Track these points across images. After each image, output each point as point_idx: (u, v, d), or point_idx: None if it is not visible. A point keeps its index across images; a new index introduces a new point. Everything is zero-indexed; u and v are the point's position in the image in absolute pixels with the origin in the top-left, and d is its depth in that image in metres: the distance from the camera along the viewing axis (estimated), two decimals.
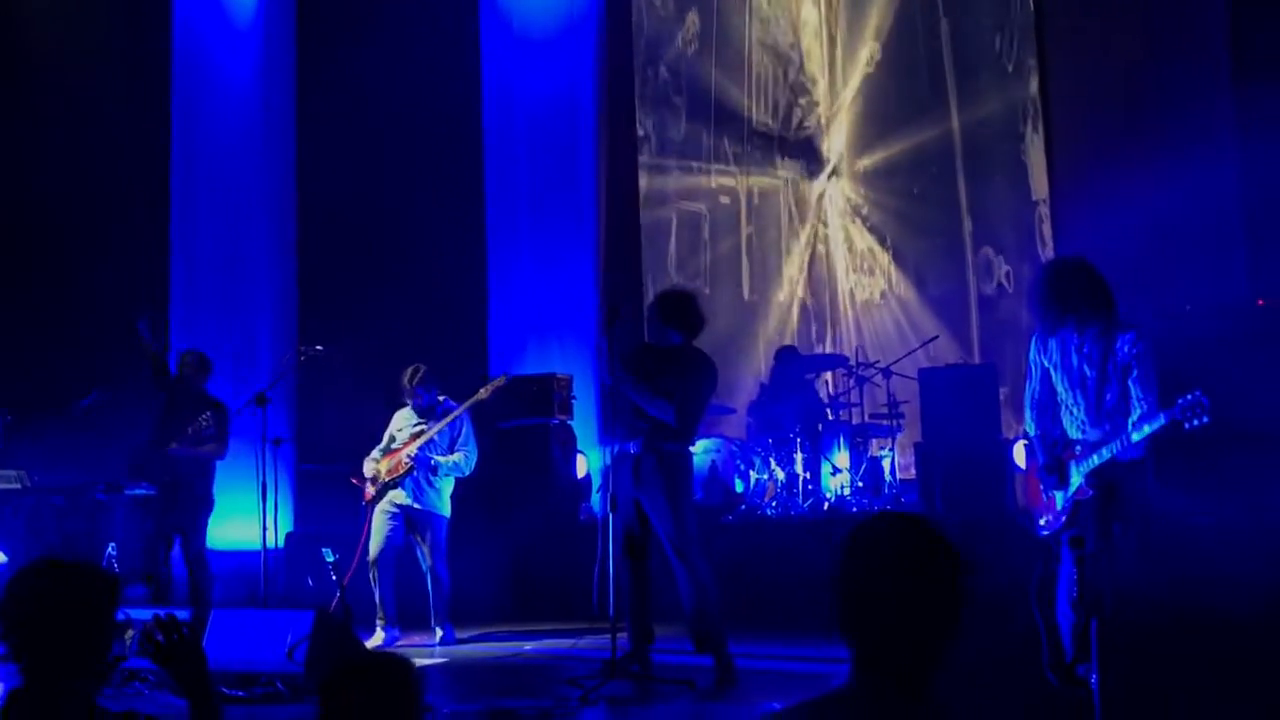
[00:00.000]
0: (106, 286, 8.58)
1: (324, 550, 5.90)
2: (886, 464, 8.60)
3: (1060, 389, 4.75)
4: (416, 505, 6.87)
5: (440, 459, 6.87)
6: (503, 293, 9.93)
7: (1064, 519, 4.72)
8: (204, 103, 9.59)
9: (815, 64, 11.09)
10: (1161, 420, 4.36)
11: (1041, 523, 4.85)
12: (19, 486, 7.08)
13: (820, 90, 11.07)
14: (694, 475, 5.97)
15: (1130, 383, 4.56)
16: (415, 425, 6.98)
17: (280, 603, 6.67)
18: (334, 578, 5.70)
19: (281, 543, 7.98)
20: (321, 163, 9.57)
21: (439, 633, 6.89)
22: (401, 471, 6.84)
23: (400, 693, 2.06)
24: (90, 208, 8.81)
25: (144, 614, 5.66)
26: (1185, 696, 3.91)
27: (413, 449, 6.83)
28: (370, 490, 6.95)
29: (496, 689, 5.38)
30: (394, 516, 6.87)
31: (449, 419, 6.87)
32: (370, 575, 6.84)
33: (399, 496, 6.88)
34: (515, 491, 8.38)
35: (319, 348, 7.11)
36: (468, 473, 7.00)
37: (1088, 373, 4.66)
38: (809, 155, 11.12)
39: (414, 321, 9.09)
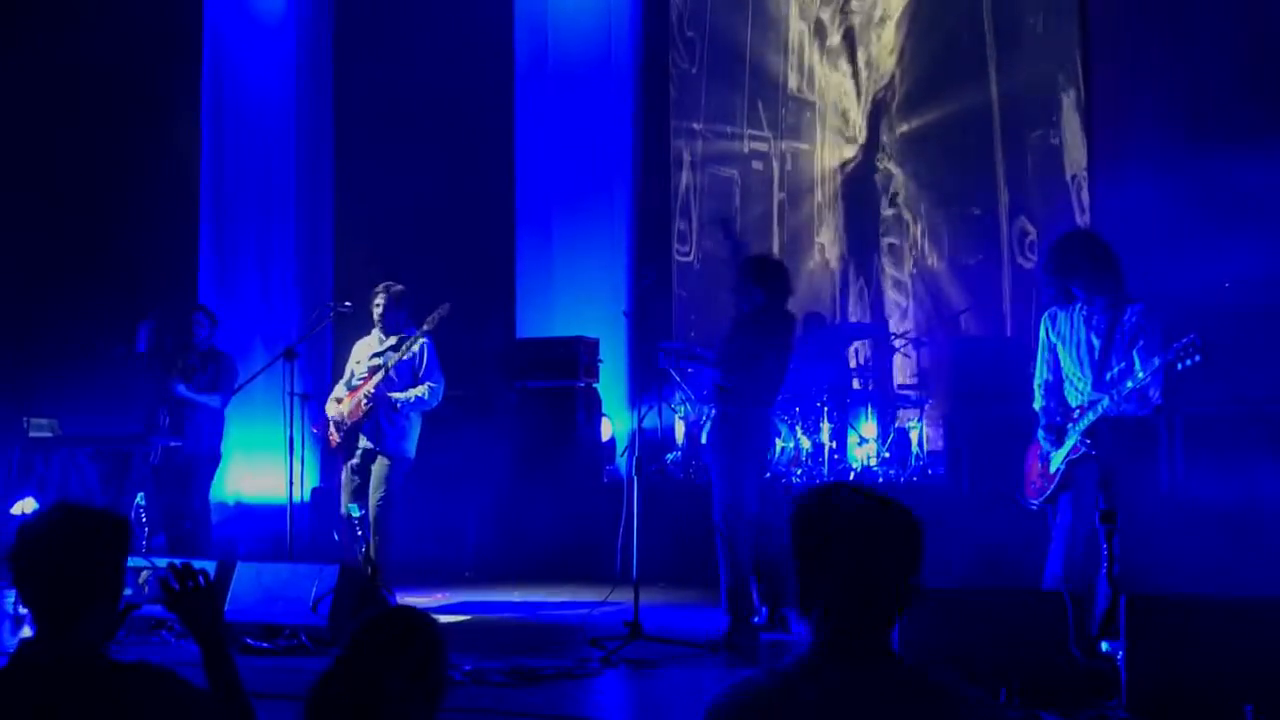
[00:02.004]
0: (137, 261, 8.67)
1: (350, 505, 5.92)
2: (914, 435, 8.55)
3: (1067, 362, 4.79)
4: (374, 446, 6.38)
5: (400, 395, 6.35)
6: (531, 254, 9.90)
7: (1057, 482, 4.72)
8: (237, 86, 9.55)
9: (852, 29, 10.94)
10: (1156, 362, 4.39)
11: (1035, 493, 4.87)
12: (51, 435, 7.15)
13: (858, 56, 10.93)
14: (761, 440, 5.87)
15: (1135, 352, 4.57)
16: (372, 357, 6.49)
17: (305, 557, 6.69)
18: (359, 533, 5.72)
19: (307, 497, 8.05)
20: (354, 136, 9.57)
21: None
22: (362, 413, 6.33)
23: (425, 646, 2.05)
24: (122, 194, 8.80)
25: (165, 562, 5.76)
26: (1211, 673, 3.88)
27: (369, 388, 6.32)
28: (335, 436, 6.48)
29: (518, 648, 5.41)
30: (356, 471, 6.41)
31: (398, 357, 6.32)
32: (342, 529, 6.40)
33: (362, 442, 6.40)
34: (539, 454, 8.40)
35: (348, 304, 7.09)
36: (434, 405, 6.48)
37: (1095, 342, 4.70)
38: (843, 121, 10.99)
39: (443, 284, 9.07)
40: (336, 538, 6.80)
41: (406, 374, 6.39)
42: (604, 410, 8.95)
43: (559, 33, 10.21)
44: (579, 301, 9.58)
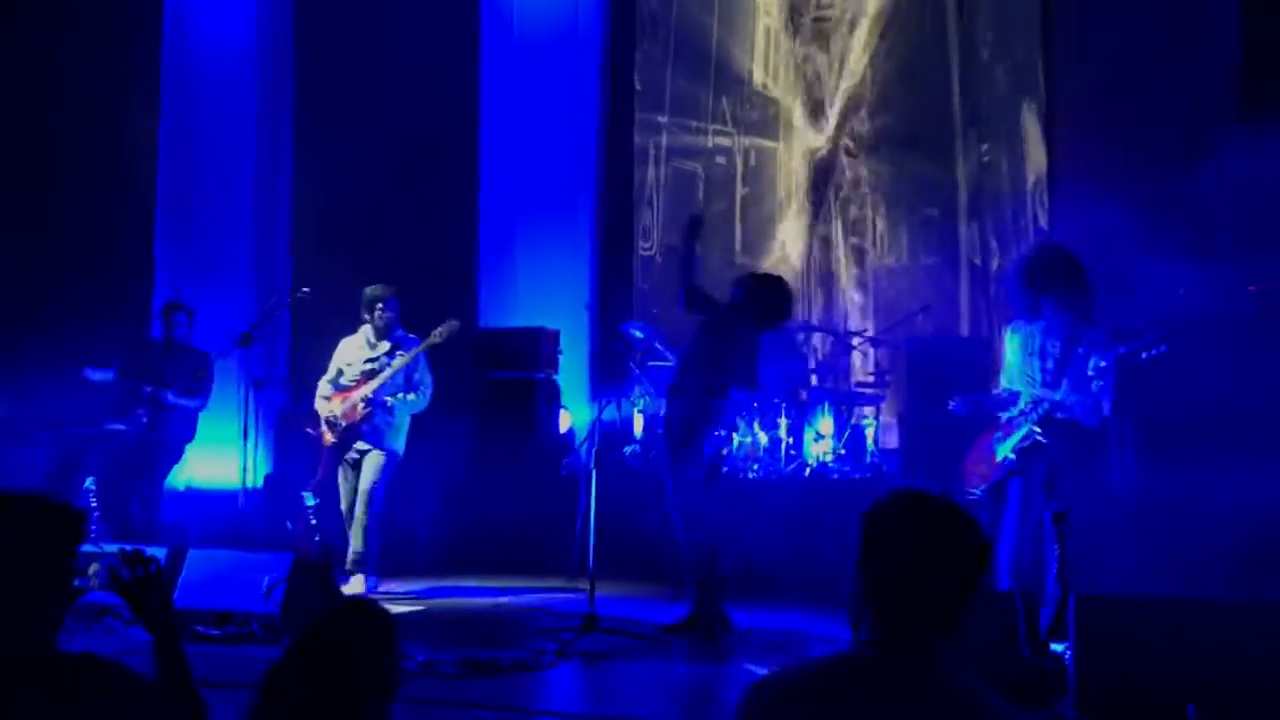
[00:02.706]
0: (93, 238, 8.52)
1: (304, 494, 5.88)
2: (870, 432, 8.61)
3: (1023, 372, 4.81)
4: (370, 447, 6.60)
5: (394, 399, 6.58)
6: (493, 244, 9.85)
7: (1004, 470, 4.77)
8: (196, 63, 9.39)
9: (821, 28, 10.98)
10: (1118, 351, 4.44)
11: (979, 480, 4.91)
12: None
13: (825, 55, 10.97)
14: (709, 432, 5.87)
15: (1092, 363, 4.63)
16: (367, 362, 6.65)
17: (258, 544, 6.63)
18: (313, 521, 5.68)
19: (260, 483, 7.97)
20: (316, 119, 9.44)
21: (359, 581, 6.48)
22: (357, 417, 6.54)
23: (380, 639, 2.03)
24: (79, 164, 8.64)
25: (114, 549, 5.68)
26: (1157, 673, 3.95)
27: (367, 392, 6.53)
28: (329, 436, 6.64)
29: (472, 639, 5.39)
30: (354, 465, 6.61)
31: (400, 363, 6.55)
32: (345, 526, 6.61)
33: (359, 445, 6.62)
34: (498, 444, 8.37)
35: (306, 290, 7.03)
36: (424, 408, 6.75)
37: (1053, 350, 4.73)
38: (808, 119, 11.03)
39: (404, 274, 9.01)
40: (290, 526, 6.74)
41: (400, 379, 6.59)
42: (564, 402, 8.94)
43: (525, 22, 10.16)
44: (541, 293, 9.56)
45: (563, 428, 8.95)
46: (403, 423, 6.66)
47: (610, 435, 8.40)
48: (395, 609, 6.14)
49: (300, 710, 1.99)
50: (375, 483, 6.52)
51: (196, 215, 9.15)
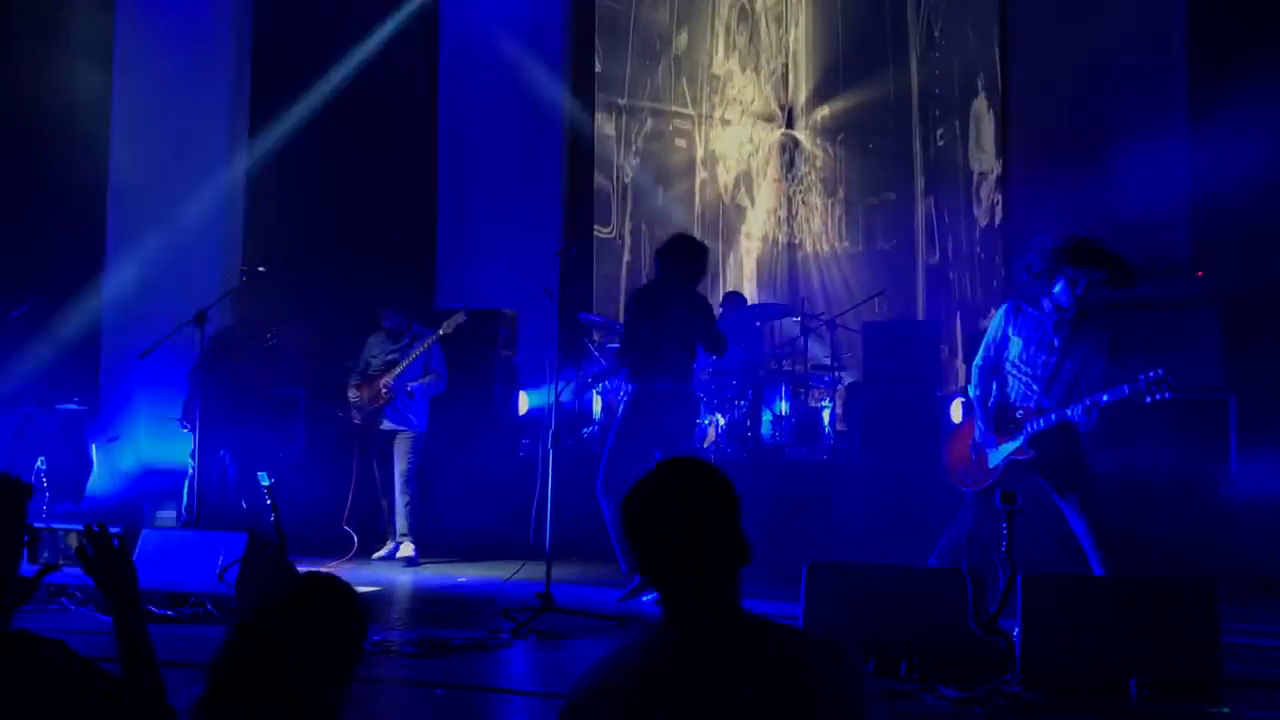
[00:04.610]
0: (42, 212, 8.39)
1: (260, 474, 5.84)
2: (826, 415, 8.69)
3: (1016, 356, 4.87)
4: (397, 426, 7.39)
5: (414, 383, 7.39)
6: (452, 225, 9.81)
7: (995, 478, 4.85)
8: (149, 36, 9.22)
9: (781, 11, 11.01)
10: (1124, 392, 4.53)
11: (970, 482, 4.99)
12: None
13: (782, 37, 11.00)
14: (634, 414, 6.02)
15: (1091, 360, 4.71)
16: (389, 353, 7.44)
17: (213, 524, 6.59)
18: (269, 501, 5.65)
19: (216, 463, 7.92)
20: (272, 100, 9.32)
21: (409, 547, 7.26)
22: (381, 401, 7.35)
23: (339, 615, 1.98)
24: (29, 138, 8.49)
25: (69, 528, 5.64)
26: (1100, 649, 4.05)
27: (389, 379, 7.34)
28: (357, 417, 7.43)
29: (429, 618, 5.40)
30: (388, 442, 7.39)
31: (415, 355, 7.36)
32: (398, 499, 7.30)
33: (384, 424, 7.40)
34: (455, 425, 8.35)
35: (260, 269, 7.01)
36: (442, 389, 7.53)
37: (1054, 342, 4.78)
38: (767, 103, 11.07)
39: (361, 249, 8.99)
40: (245, 505, 6.71)
41: (418, 367, 7.42)
42: (521, 384, 8.94)
43: (485, 3, 10.10)
44: (500, 274, 9.53)
45: (521, 410, 8.96)
46: (423, 405, 7.46)
47: (568, 417, 8.44)
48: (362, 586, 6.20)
49: (254, 693, 1.90)
50: (409, 465, 7.34)
51: (149, 194, 9.01)
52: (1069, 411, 4.69)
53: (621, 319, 6.21)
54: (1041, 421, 4.77)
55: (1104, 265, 4.75)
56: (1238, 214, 7.33)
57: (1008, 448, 4.87)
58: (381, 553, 7.34)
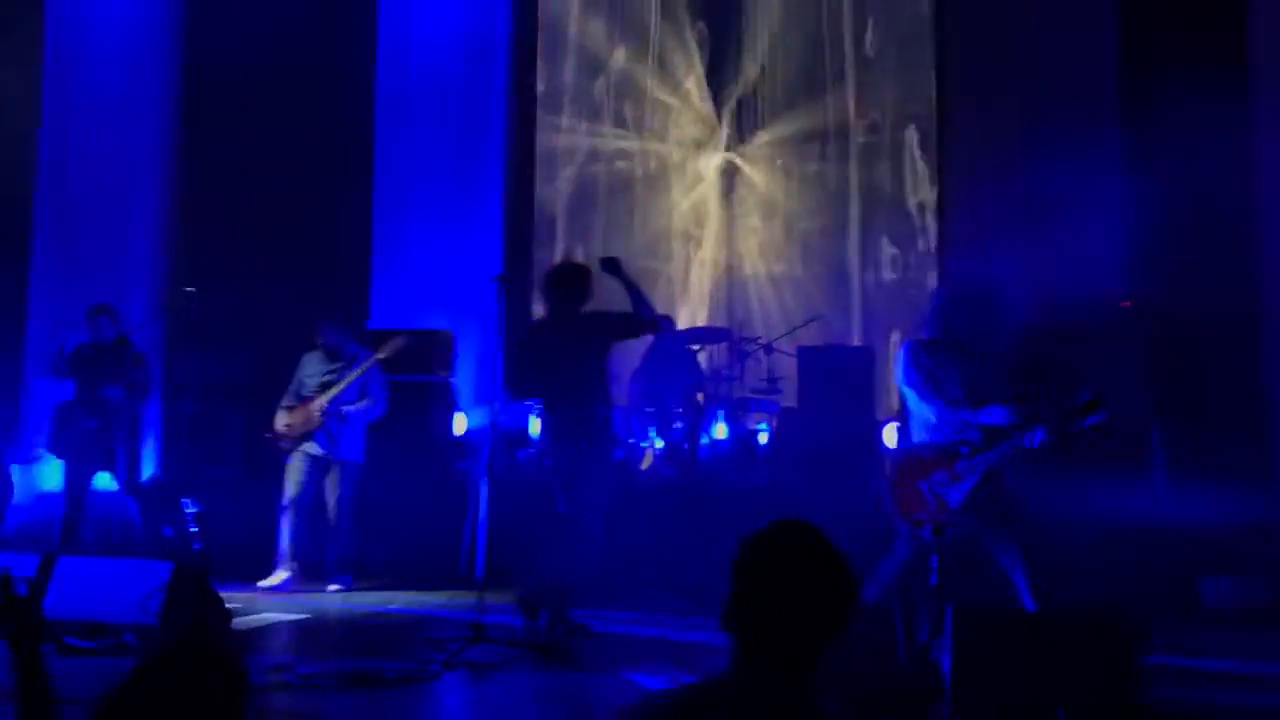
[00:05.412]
0: None
1: (184, 501, 5.72)
2: (763, 438, 8.72)
3: (943, 393, 4.83)
4: (329, 455, 7.05)
5: (350, 408, 7.07)
6: (389, 245, 9.69)
7: (954, 518, 4.76)
8: (76, 41, 9.03)
9: (720, 36, 11.07)
10: (1069, 428, 4.55)
11: (927, 524, 4.83)
12: None
13: (722, 60, 11.06)
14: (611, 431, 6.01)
15: (1019, 390, 4.73)
16: (325, 374, 7.12)
17: (138, 551, 6.43)
18: (194, 529, 5.53)
19: (143, 488, 7.74)
20: (202, 97, 9.14)
21: (336, 585, 6.94)
22: (314, 425, 7.03)
23: (223, 684, 1.90)
24: None
25: None
26: (1030, 680, 4.09)
27: (323, 402, 7.03)
28: (285, 443, 7.11)
29: (357, 649, 5.31)
30: (308, 463, 7.04)
31: (353, 376, 7.04)
32: (282, 519, 6.95)
33: (311, 448, 7.05)
34: (391, 447, 8.23)
35: (190, 290, 6.88)
36: (380, 415, 7.21)
37: (979, 376, 4.79)
38: (706, 125, 11.12)
39: (293, 269, 8.82)
40: (169, 533, 6.56)
41: (354, 390, 7.09)
42: (459, 406, 8.85)
43: (425, 17, 10.01)
44: (437, 294, 9.44)
45: (458, 431, 8.86)
46: (359, 433, 7.14)
47: (506, 439, 8.36)
48: (282, 616, 6.09)
49: None
50: (343, 496, 7.04)
51: (78, 212, 8.80)
52: (1011, 446, 4.67)
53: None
54: (994, 457, 4.74)
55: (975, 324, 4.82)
56: (1169, 239, 7.46)
57: (966, 485, 4.79)
58: (271, 581, 6.83)
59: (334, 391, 7.03)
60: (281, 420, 7.12)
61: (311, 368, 7.22)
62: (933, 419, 4.86)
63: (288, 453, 7.08)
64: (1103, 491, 6.45)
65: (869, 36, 10.26)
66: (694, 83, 11.11)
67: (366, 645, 5.44)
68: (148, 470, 7.91)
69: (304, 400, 7.12)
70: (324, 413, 7.01)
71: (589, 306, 5.91)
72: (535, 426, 8.74)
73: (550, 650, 5.32)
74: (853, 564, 1.99)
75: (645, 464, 8.55)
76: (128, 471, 7.11)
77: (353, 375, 7.05)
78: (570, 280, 5.98)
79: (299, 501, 6.98)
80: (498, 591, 5.74)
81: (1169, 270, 7.51)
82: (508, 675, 4.91)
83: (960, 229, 8.77)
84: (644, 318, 5.89)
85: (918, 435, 4.97)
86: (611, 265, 5.96)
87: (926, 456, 4.84)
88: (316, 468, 7.06)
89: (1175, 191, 7.26)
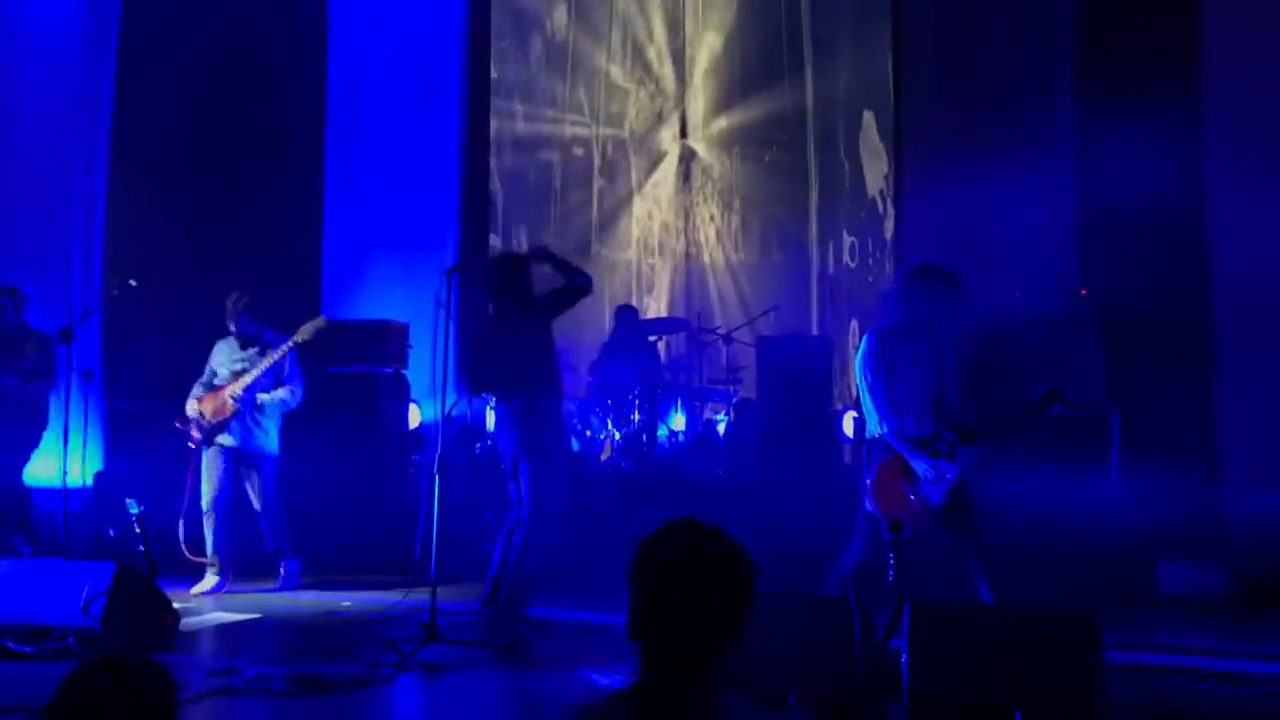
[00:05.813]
0: None
1: (128, 501, 5.56)
2: (721, 428, 8.68)
3: (908, 385, 4.76)
4: (243, 447, 6.73)
5: (265, 396, 6.73)
6: (339, 234, 9.52)
7: (940, 514, 4.69)
8: (13, 32, 8.75)
9: (678, 22, 10.97)
10: (1021, 413, 4.51)
11: (908, 526, 4.73)
12: None
13: (680, 46, 10.97)
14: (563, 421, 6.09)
15: (975, 381, 4.70)
16: (237, 361, 6.79)
17: (81, 552, 6.28)
18: (138, 530, 5.38)
19: (90, 482, 7.57)
20: (141, 82, 8.89)
21: (280, 573, 6.80)
22: (227, 414, 6.68)
23: (149, 707, 1.84)
24: None
25: None
26: (987, 678, 4.05)
27: (236, 390, 6.67)
28: (196, 434, 6.76)
29: (307, 650, 5.20)
30: (224, 459, 6.72)
31: (268, 362, 6.68)
32: (204, 521, 6.67)
33: (225, 440, 6.72)
34: (343, 439, 8.09)
35: (132, 282, 6.68)
36: (295, 406, 6.86)
37: (941, 367, 4.75)
38: (664, 112, 11.02)
39: (238, 255, 8.61)
40: (113, 533, 6.40)
41: (270, 378, 6.71)
42: (413, 397, 8.71)
43: (377, 5, 9.83)
44: (390, 284, 9.29)
45: (412, 423, 8.73)
46: (272, 423, 6.81)
47: (461, 432, 8.25)
48: (231, 616, 5.96)
49: None
50: (265, 493, 6.77)
51: (15, 204, 8.54)
52: (980, 445, 4.62)
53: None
54: (970, 451, 4.66)
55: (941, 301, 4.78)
56: (1121, 232, 7.48)
57: (944, 482, 4.71)
58: (202, 586, 6.58)
59: (248, 379, 6.67)
60: (192, 408, 6.74)
61: (223, 355, 6.86)
62: (874, 414, 4.81)
63: (198, 443, 6.73)
64: (1060, 478, 6.46)
65: (826, 24, 10.20)
66: (652, 69, 11.01)
67: (317, 646, 5.33)
68: (93, 466, 7.70)
69: (215, 389, 6.77)
70: (237, 400, 6.64)
71: (530, 293, 5.94)
72: (491, 420, 8.65)
73: (504, 648, 5.23)
74: (749, 559, 1.93)
75: (604, 455, 8.48)
76: (21, 465, 6.78)
77: (265, 361, 6.67)
78: (505, 269, 6.07)
79: (219, 501, 6.68)
80: (451, 587, 5.65)
81: (1121, 259, 7.53)
82: (461, 675, 4.82)
83: (916, 215, 8.74)
84: (574, 283, 5.95)
85: (881, 424, 4.86)
86: (541, 251, 6.11)
87: (906, 456, 4.75)
88: (232, 462, 6.73)
89: (1128, 181, 7.27)
